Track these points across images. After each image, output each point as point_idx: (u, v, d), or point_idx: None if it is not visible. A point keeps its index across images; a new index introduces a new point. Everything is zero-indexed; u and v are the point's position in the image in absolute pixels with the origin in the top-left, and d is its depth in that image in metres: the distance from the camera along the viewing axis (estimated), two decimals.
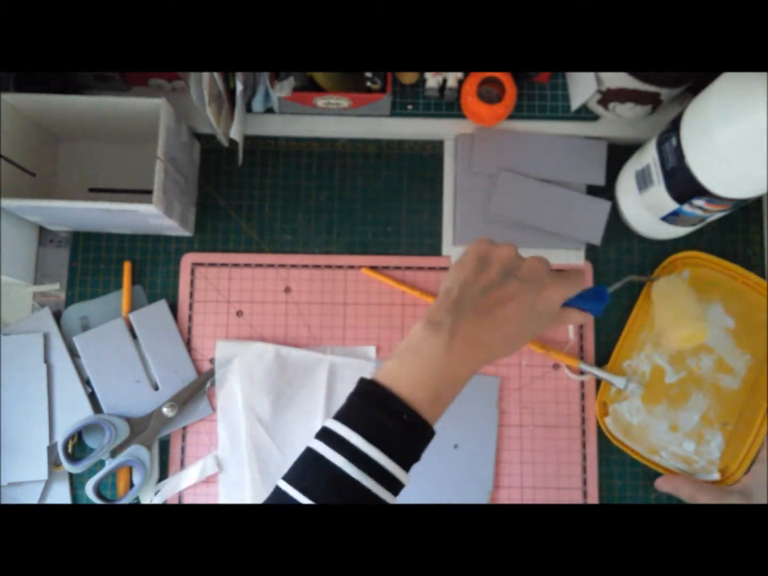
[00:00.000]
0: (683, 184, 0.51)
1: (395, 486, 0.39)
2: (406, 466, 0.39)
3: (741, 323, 0.61)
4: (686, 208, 0.54)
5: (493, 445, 0.60)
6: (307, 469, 0.39)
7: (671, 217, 0.57)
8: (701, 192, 0.50)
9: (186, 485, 0.59)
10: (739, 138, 0.44)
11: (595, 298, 0.50)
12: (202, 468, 0.59)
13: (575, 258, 0.63)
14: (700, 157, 0.48)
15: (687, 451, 0.59)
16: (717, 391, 0.60)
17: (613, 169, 0.64)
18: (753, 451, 0.58)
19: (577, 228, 0.62)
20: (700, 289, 0.61)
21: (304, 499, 0.37)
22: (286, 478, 0.39)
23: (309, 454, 0.39)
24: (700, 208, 0.53)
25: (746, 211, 0.64)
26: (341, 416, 0.40)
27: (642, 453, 0.59)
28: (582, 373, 0.61)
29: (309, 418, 0.60)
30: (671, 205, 0.54)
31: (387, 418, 0.39)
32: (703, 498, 0.55)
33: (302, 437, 0.59)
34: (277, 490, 0.39)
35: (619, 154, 0.64)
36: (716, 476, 0.59)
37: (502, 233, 0.62)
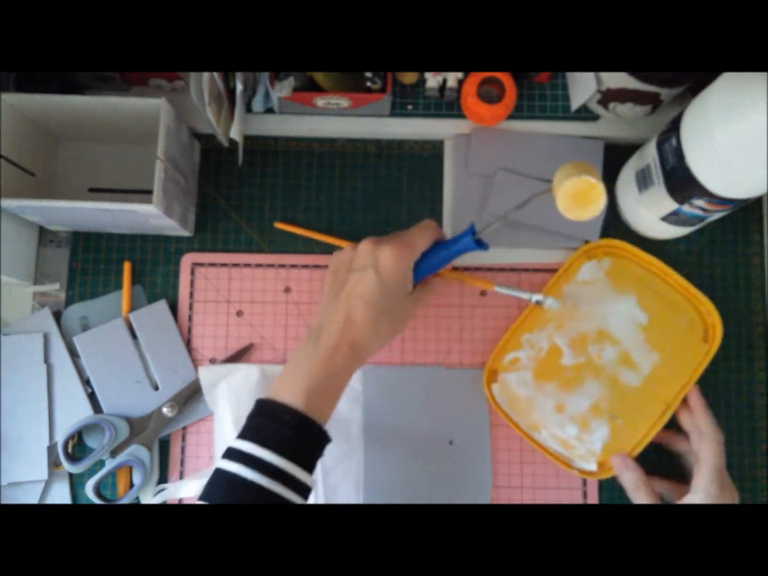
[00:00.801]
0: (683, 184, 0.51)
1: (299, 487, 0.43)
2: (305, 466, 0.44)
3: (654, 320, 0.59)
4: (686, 208, 0.54)
5: (488, 439, 0.60)
6: (209, 484, 0.43)
7: (671, 217, 0.57)
8: (701, 192, 0.50)
9: (185, 495, 0.59)
10: (739, 138, 0.44)
11: (461, 237, 0.52)
12: (201, 482, 0.59)
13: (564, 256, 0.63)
14: (700, 157, 0.48)
15: (568, 435, 0.58)
16: (614, 384, 0.59)
17: (613, 169, 0.64)
18: (637, 451, 0.57)
19: (573, 226, 0.62)
20: (617, 279, 0.60)
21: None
22: (200, 496, 0.43)
23: (214, 473, 0.44)
24: (700, 208, 0.53)
25: (746, 211, 0.64)
26: (240, 434, 0.45)
27: (522, 427, 0.59)
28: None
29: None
30: (671, 205, 0.54)
31: (276, 424, 0.44)
32: (658, 486, 0.56)
33: None
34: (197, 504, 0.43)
35: (619, 154, 0.64)
36: (593, 467, 0.58)
37: (499, 233, 0.62)
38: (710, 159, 0.47)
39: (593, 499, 0.60)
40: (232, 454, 0.44)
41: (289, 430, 0.44)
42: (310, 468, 0.45)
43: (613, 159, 0.64)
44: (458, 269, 0.63)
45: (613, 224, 0.63)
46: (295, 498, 0.42)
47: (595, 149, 0.64)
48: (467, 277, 0.61)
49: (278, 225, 0.64)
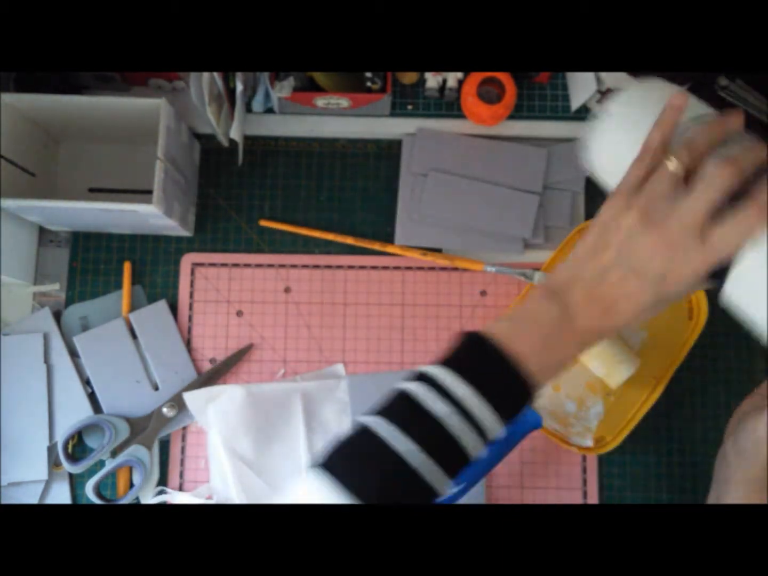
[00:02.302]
0: None
1: (481, 433, 0.36)
2: (501, 412, 0.37)
3: None
4: None
5: None
6: (404, 411, 0.36)
7: None
8: None
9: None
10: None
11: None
12: (198, 499, 0.59)
13: (516, 257, 0.63)
14: None
15: (567, 412, 0.59)
16: None
17: None
18: (630, 426, 0.58)
19: (508, 224, 0.62)
20: None
21: (401, 439, 0.34)
22: (378, 413, 0.36)
23: (402, 396, 0.36)
24: None
25: None
26: (446, 363, 0.37)
27: None
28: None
29: (292, 449, 0.60)
30: None
31: (496, 372, 0.36)
32: None
33: (289, 469, 0.59)
34: (366, 431, 0.35)
35: None
36: (590, 443, 0.59)
37: (438, 235, 0.62)
38: None
39: (593, 499, 0.60)
40: (423, 378, 0.36)
41: (501, 377, 0.36)
42: (507, 420, 0.37)
43: None
44: (449, 255, 0.63)
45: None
46: (477, 450, 0.36)
47: (538, 157, 0.63)
48: (458, 260, 0.61)
49: (264, 222, 0.64)
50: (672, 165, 0.36)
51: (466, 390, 0.35)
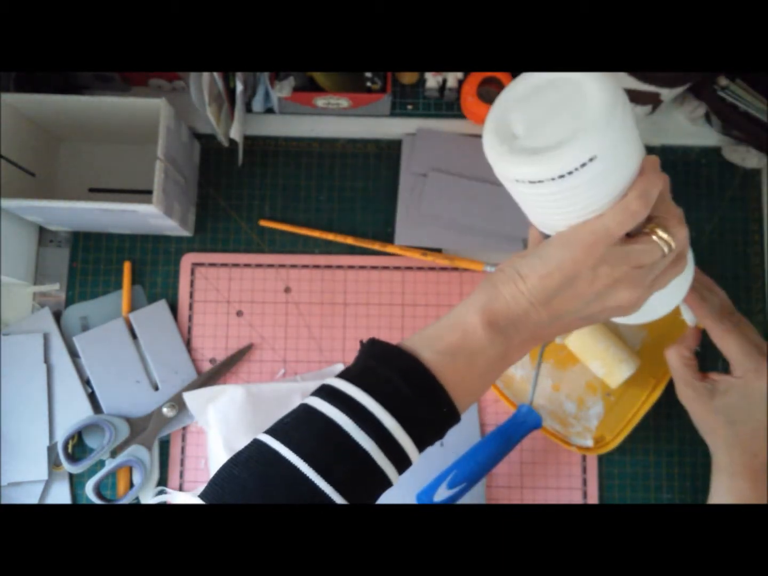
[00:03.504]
0: None
1: (402, 462, 0.35)
2: (420, 445, 0.36)
3: None
4: None
5: (478, 438, 0.60)
6: (300, 423, 0.34)
7: None
8: None
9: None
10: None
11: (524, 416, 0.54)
12: (193, 494, 0.59)
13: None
14: None
15: (567, 413, 0.59)
16: None
17: None
18: (630, 426, 0.58)
19: (508, 224, 0.62)
20: None
21: (287, 453, 0.33)
22: (271, 431, 0.35)
23: (302, 410, 0.35)
24: None
25: (746, 211, 0.64)
26: (349, 376, 0.35)
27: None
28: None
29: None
30: None
31: (389, 372, 0.34)
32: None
33: None
34: (257, 444, 0.35)
35: None
36: (590, 443, 0.59)
37: (438, 235, 0.62)
38: None
39: (593, 499, 0.60)
40: (326, 391, 0.35)
41: (406, 386, 0.34)
42: (420, 442, 0.35)
43: None
44: (449, 255, 0.63)
45: None
46: (389, 470, 0.34)
47: None
48: (458, 260, 0.61)
49: (264, 222, 0.64)
50: (663, 244, 0.37)
51: (390, 422, 0.34)
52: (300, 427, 0.35)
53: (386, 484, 0.36)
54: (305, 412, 0.35)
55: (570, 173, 0.34)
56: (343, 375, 0.36)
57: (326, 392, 0.35)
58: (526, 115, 0.38)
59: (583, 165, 0.34)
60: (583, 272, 0.36)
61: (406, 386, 0.35)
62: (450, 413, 0.36)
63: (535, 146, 0.36)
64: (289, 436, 0.34)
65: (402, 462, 0.36)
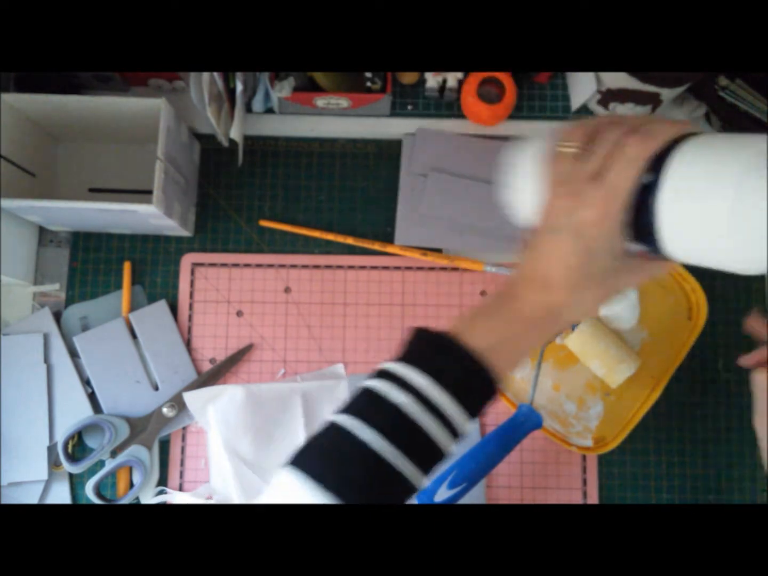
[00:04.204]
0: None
1: (451, 428, 0.36)
2: (468, 407, 0.37)
3: (644, 299, 0.60)
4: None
5: (477, 437, 0.60)
6: (365, 404, 0.36)
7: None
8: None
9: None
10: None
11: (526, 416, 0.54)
12: (197, 499, 0.59)
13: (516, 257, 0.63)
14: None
15: (567, 413, 0.59)
16: None
17: None
18: (630, 426, 0.58)
19: (508, 224, 0.61)
20: None
21: (365, 429, 0.35)
22: (342, 410, 0.37)
23: (363, 392, 0.37)
24: None
25: None
26: (394, 358, 0.37)
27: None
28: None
29: (292, 449, 0.59)
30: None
31: (453, 363, 0.37)
32: None
33: None
34: (332, 426, 0.36)
35: None
36: (590, 443, 0.59)
37: (438, 235, 0.62)
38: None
39: (593, 499, 0.60)
40: (382, 374, 0.37)
41: (458, 368, 0.36)
42: (472, 412, 0.37)
43: None
44: (449, 255, 0.63)
45: None
46: (444, 440, 0.36)
47: None
48: (458, 260, 0.61)
49: (264, 223, 0.64)
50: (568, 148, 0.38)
51: (423, 380, 0.36)
52: (365, 406, 0.36)
53: (443, 457, 0.37)
54: (367, 394, 0.37)
55: None
56: (400, 359, 0.38)
57: (384, 375, 0.37)
58: None
59: None
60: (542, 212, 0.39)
61: (456, 365, 0.37)
62: (486, 381, 0.38)
63: None
64: (365, 416, 0.36)
65: (452, 430, 0.37)
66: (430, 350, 0.38)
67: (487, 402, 0.38)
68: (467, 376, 0.37)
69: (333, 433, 0.36)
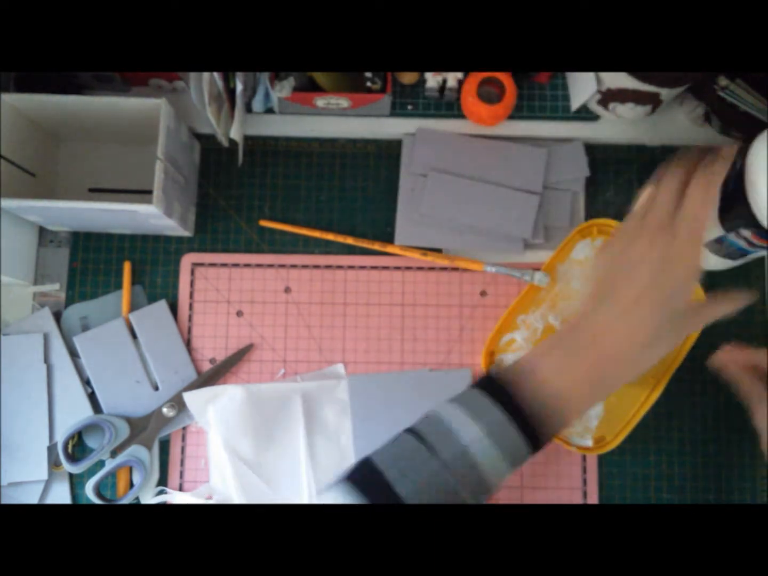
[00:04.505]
0: (735, 210, 0.49)
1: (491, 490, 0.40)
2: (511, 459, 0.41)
3: None
4: (732, 236, 0.52)
5: None
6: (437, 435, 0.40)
7: (714, 245, 0.55)
8: (750, 221, 0.48)
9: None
10: None
11: None
12: (197, 499, 0.59)
13: (516, 257, 0.63)
14: (760, 187, 0.46)
15: None
16: None
17: (612, 171, 0.64)
18: (630, 426, 0.58)
19: (508, 224, 0.62)
20: None
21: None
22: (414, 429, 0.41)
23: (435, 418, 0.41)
24: (745, 239, 0.51)
25: None
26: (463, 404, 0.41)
27: None
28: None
29: (292, 449, 0.59)
30: (717, 230, 0.52)
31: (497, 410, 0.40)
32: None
33: (288, 469, 0.59)
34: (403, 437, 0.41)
35: (618, 154, 0.64)
36: (590, 443, 0.59)
37: (438, 235, 0.62)
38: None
39: (593, 499, 0.60)
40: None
41: (506, 420, 0.40)
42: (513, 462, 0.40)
43: (612, 160, 0.64)
44: (449, 255, 0.63)
45: (611, 204, 0.63)
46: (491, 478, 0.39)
47: (539, 157, 0.63)
48: (458, 260, 0.61)
49: (264, 223, 0.64)
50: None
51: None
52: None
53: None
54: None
55: None
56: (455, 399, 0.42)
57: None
58: None
59: None
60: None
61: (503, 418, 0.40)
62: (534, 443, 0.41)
63: None
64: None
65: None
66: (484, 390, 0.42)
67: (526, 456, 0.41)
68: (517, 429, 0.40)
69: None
